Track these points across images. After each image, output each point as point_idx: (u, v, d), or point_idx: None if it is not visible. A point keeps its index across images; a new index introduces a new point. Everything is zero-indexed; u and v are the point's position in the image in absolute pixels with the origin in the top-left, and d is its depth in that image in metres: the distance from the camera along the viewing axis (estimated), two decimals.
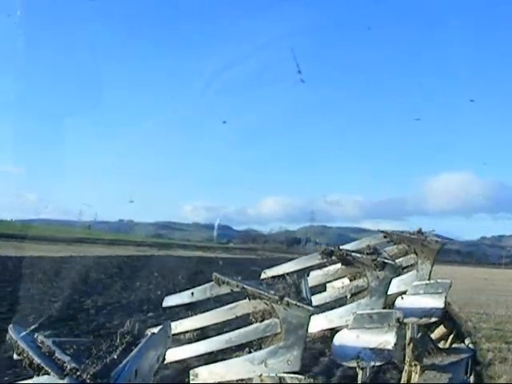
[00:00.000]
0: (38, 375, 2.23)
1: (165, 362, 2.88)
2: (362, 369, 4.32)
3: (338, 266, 4.68)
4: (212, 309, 3.59)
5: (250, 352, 3.36)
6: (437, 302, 5.48)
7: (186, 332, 3.62)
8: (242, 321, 3.49)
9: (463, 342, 6.32)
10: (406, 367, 5.64)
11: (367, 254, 4.61)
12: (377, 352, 4.35)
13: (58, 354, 2.28)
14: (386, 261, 4.57)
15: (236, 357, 3.39)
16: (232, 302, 3.50)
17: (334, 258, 4.59)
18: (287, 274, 3.96)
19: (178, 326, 3.50)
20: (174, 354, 3.45)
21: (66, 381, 2.10)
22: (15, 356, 2.39)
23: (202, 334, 3.79)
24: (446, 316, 6.06)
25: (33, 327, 2.83)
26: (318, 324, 4.48)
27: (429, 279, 5.62)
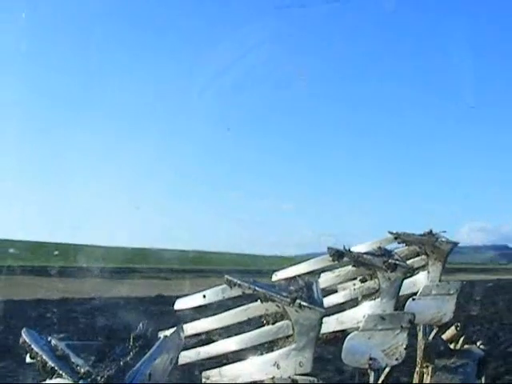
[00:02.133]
0: (51, 378, 2.25)
1: (178, 365, 2.88)
2: (374, 370, 4.33)
3: (349, 267, 4.67)
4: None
5: (261, 354, 3.37)
6: (448, 303, 5.47)
7: (199, 334, 3.62)
8: (254, 323, 3.50)
9: (475, 343, 6.29)
10: (417, 369, 5.63)
11: (378, 255, 4.60)
12: (388, 353, 4.35)
13: (72, 357, 2.29)
14: (397, 262, 4.56)
15: (248, 359, 3.40)
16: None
17: (345, 259, 4.58)
18: (299, 275, 3.97)
19: (190, 329, 3.51)
20: (187, 357, 3.46)
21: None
22: (28, 359, 2.41)
23: (215, 336, 3.80)
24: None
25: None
26: (330, 326, 4.48)
27: (440, 280, 5.60)
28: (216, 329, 3.59)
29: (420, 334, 5.62)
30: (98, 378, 2.13)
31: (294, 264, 4.51)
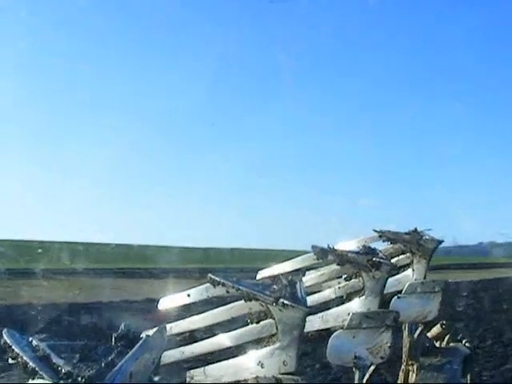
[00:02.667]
0: (33, 379, 2.23)
1: (161, 364, 2.88)
2: (359, 369, 4.33)
3: (334, 266, 4.68)
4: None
5: (245, 353, 3.37)
6: (433, 301, 5.49)
7: (182, 334, 3.62)
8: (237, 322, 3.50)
9: (460, 341, 6.32)
10: (402, 367, 5.65)
11: (363, 253, 4.61)
12: (373, 352, 4.36)
13: (53, 358, 2.28)
14: (382, 260, 4.58)
15: (232, 358, 3.40)
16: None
17: (329, 258, 4.59)
18: (282, 274, 3.97)
19: (173, 328, 3.50)
20: (170, 356, 3.45)
21: None
22: (10, 360, 2.39)
23: (198, 335, 3.79)
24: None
25: None
26: (314, 324, 4.49)
27: (424, 278, 5.63)
28: (200, 328, 3.59)
29: (405, 332, 5.63)
30: (79, 378, 2.12)
31: None
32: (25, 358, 2.27)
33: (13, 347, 2.35)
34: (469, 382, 6.04)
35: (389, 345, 4.42)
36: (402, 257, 5.68)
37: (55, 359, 2.27)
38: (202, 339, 3.56)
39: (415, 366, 5.61)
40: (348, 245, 5.08)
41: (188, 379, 3.44)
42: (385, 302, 4.87)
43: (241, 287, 3.34)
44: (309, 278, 4.70)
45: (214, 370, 3.40)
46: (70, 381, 2.12)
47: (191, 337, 3.76)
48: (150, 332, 2.63)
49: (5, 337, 2.42)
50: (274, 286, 3.36)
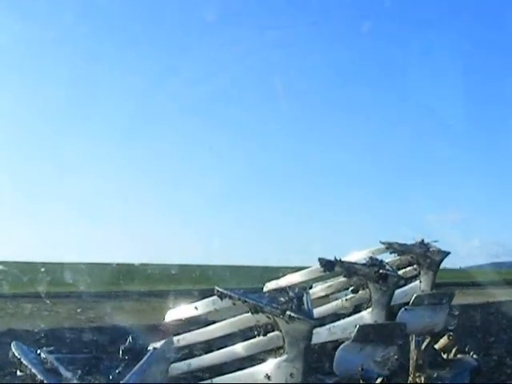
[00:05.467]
0: None
1: (168, 376, 2.88)
2: (366, 381, 4.32)
3: (341, 278, 4.68)
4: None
5: (252, 365, 3.37)
6: (440, 313, 5.47)
7: (189, 346, 3.62)
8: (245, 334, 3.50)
9: (468, 353, 6.29)
10: (410, 378, 5.62)
11: (369, 265, 4.61)
12: (380, 364, 4.35)
13: (61, 370, 2.29)
14: (389, 272, 4.57)
15: (239, 370, 3.40)
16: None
17: (336, 270, 4.59)
18: (289, 286, 3.97)
19: (180, 341, 3.51)
20: (177, 368, 3.45)
21: None
22: (18, 372, 2.41)
23: (205, 347, 3.80)
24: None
25: None
26: (322, 336, 4.48)
27: (431, 290, 5.61)
28: (207, 340, 3.59)
29: (412, 344, 5.61)
30: None
31: None
32: (33, 370, 2.29)
33: (21, 359, 2.37)
34: None
35: (396, 357, 4.40)
36: (408, 268, 5.67)
37: (63, 372, 2.28)
38: (210, 351, 3.57)
39: (422, 378, 5.58)
40: (355, 257, 5.08)
41: None
42: (392, 313, 4.86)
43: (248, 300, 3.34)
44: (316, 291, 4.70)
45: (222, 382, 3.40)
46: None
47: (199, 349, 3.78)
48: (157, 344, 2.65)
49: (13, 349, 2.43)
50: (281, 299, 3.36)
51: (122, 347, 2.49)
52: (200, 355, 3.58)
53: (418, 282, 5.63)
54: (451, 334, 6.11)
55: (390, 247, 5.57)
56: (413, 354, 5.62)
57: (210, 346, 3.74)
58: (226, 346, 3.50)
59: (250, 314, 3.37)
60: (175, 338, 3.16)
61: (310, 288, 4.56)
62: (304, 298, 3.42)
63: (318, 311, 4.25)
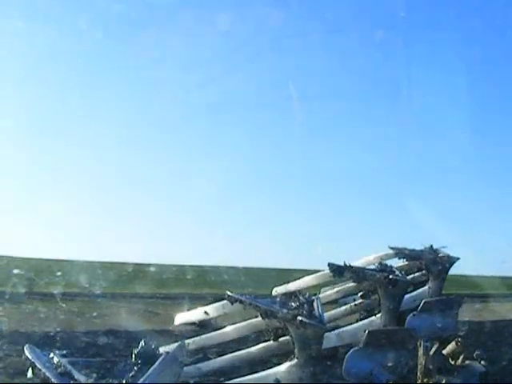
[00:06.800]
0: None
1: (180, 379, 2.89)
2: None
3: (350, 283, 4.67)
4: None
5: (263, 370, 3.37)
6: (449, 319, 5.44)
7: (201, 349, 3.63)
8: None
9: (476, 359, 6.24)
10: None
11: (379, 270, 4.60)
12: (390, 369, 4.33)
13: (74, 374, 2.30)
14: (398, 278, 4.56)
15: (249, 375, 3.39)
16: None
17: (345, 275, 4.58)
18: (299, 291, 3.96)
19: (191, 344, 3.51)
20: (189, 372, 3.45)
21: None
22: (29, 374, 2.41)
23: (217, 351, 3.80)
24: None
25: None
26: (331, 341, 4.46)
27: (440, 295, 5.58)
28: (218, 344, 3.59)
29: (421, 350, 5.58)
30: None
31: None
32: (47, 373, 2.30)
33: (35, 363, 2.37)
34: None
35: (405, 362, 4.38)
36: (417, 274, 5.64)
37: (76, 375, 2.29)
38: (222, 355, 3.57)
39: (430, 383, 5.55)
40: (364, 262, 5.07)
41: None
42: (401, 319, 4.84)
43: (258, 304, 3.34)
44: (325, 295, 4.69)
45: None
46: None
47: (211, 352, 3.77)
48: (170, 348, 2.65)
49: (27, 353, 2.44)
50: (292, 303, 3.36)
51: (134, 351, 2.48)
52: (212, 358, 3.59)
53: (426, 287, 5.61)
54: (459, 340, 6.07)
55: (400, 253, 5.55)
56: (421, 360, 5.59)
57: (223, 349, 3.73)
58: (237, 350, 3.50)
59: (260, 318, 3.38)
60: (187, 342, 3.16)
61: (319, 293, 4.55)
62: (315, 303, 3.42)
63: (326, 316, 4.24)
